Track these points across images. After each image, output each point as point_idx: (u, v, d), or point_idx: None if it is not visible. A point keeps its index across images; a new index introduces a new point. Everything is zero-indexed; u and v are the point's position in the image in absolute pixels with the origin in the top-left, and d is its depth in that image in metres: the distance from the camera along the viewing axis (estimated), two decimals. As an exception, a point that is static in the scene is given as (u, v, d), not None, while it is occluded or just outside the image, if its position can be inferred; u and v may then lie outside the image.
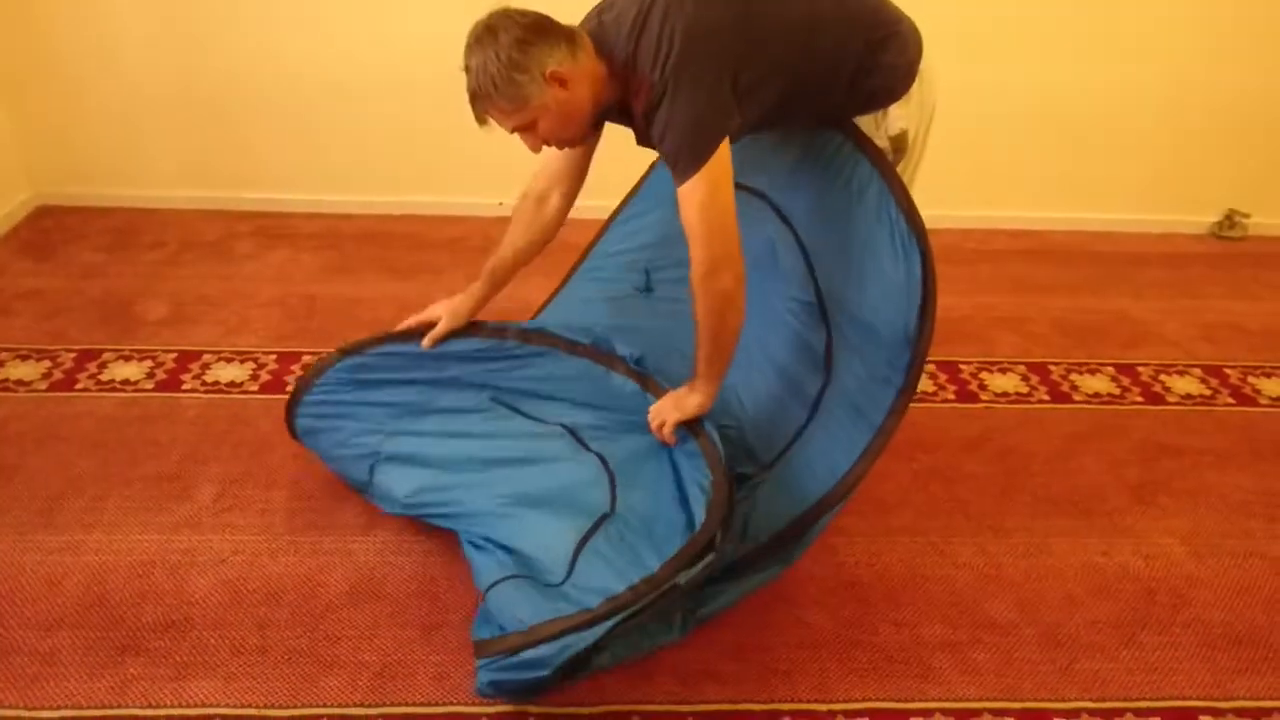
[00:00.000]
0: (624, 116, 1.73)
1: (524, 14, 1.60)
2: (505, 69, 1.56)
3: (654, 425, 1.88)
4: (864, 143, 1.82)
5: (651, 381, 2.00)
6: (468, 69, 1.60)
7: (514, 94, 1.59)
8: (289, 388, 2.43)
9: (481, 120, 1.65)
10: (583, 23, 1.71)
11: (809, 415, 1.94)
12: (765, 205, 2.00)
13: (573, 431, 1.99)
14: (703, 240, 1.64)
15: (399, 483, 1.93)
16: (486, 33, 1.58)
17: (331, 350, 2.03)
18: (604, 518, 1.76)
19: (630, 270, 2.23)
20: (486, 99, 1.60)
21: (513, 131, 1.67)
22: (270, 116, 3.35)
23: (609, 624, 1.52)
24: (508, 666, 1.52)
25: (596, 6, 1.73)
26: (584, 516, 1.77)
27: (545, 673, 1.50)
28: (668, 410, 1.87)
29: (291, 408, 2.03)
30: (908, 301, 1.76)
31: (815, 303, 1.93)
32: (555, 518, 1.78)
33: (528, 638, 1.52)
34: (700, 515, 1.70)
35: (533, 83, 1.58)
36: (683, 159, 1.61)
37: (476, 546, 1.80)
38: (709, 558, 1.63)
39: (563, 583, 1.65)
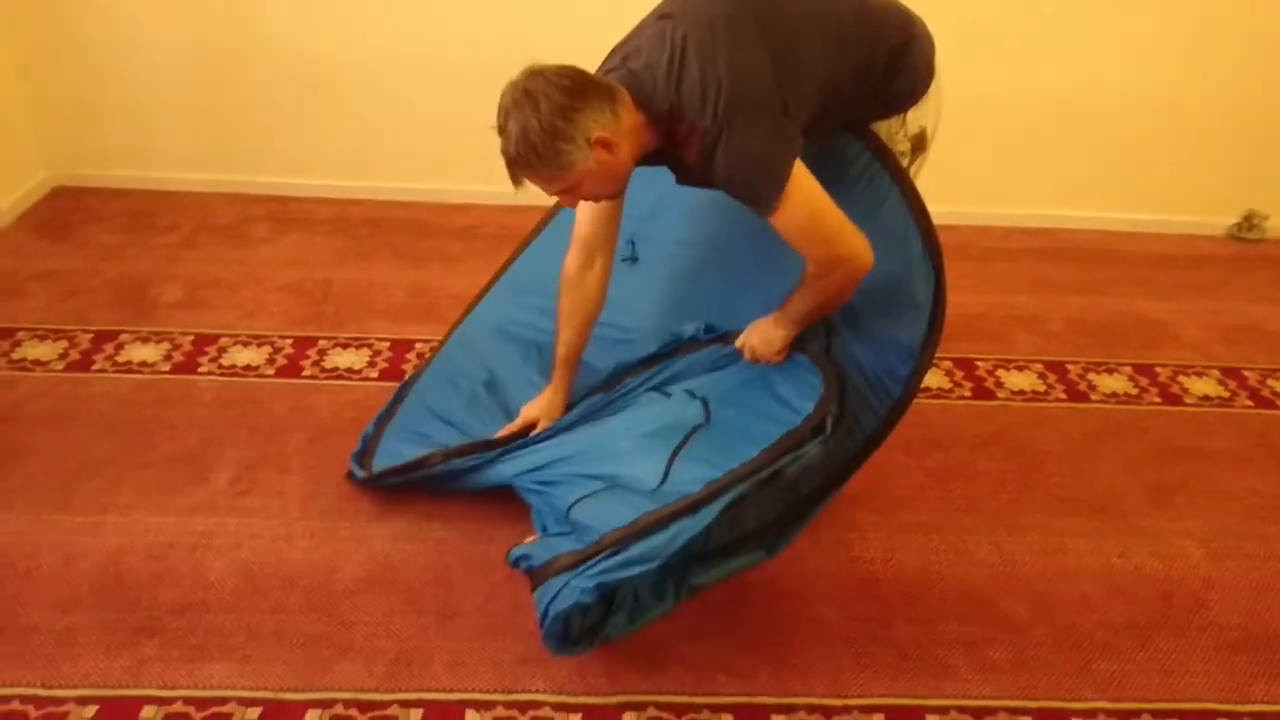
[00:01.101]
0: (660, 158, 1.69)
1: (561, 74, 1.51)
2: (549, 138, 1.49)
3: (748, 356, 1.86)
4: (883, 153, 1.80)
5: (729, 335, 1.96)
6: (503, 132, 1.52)
7: (559, 162, 1.52)
8: (305, 373, 2.44)
9: (518, 184, 1.58)
10: (607, 69, 1.65)
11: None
12: None
13: (656, 388, 1.98)
14: (813, 249, 1.61)
15: (501, 470, 1.96)
16: (525, 98, 1.49)
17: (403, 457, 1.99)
18: (697, 428, 1.76)
19: None
20: (527, 167, 1.53)
21: (552, 195, 1.63)
22: (285, 100, 3.34)
23: (719, 503, 1.53)
24: (614, 566, 1.51)
25: (619, 53, 1.66)
26: (677, 432, 1.76)
27: (655, 564, 1.50)
28: (758, 344, 1.84)
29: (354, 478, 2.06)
30: (914, 319, 1.76)
31: None
32: (647, 440, 1.79)
33: (630, 531, 1.53)
34: (808, 407, 1.70)
35: (578, 150, 1.51)
36: (761, 194, 1.56)
37: (547, 483, 1.83)
38: (816, 442, 1.63)
39: (658, 487, 1.65)
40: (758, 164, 1.55)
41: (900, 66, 1.75)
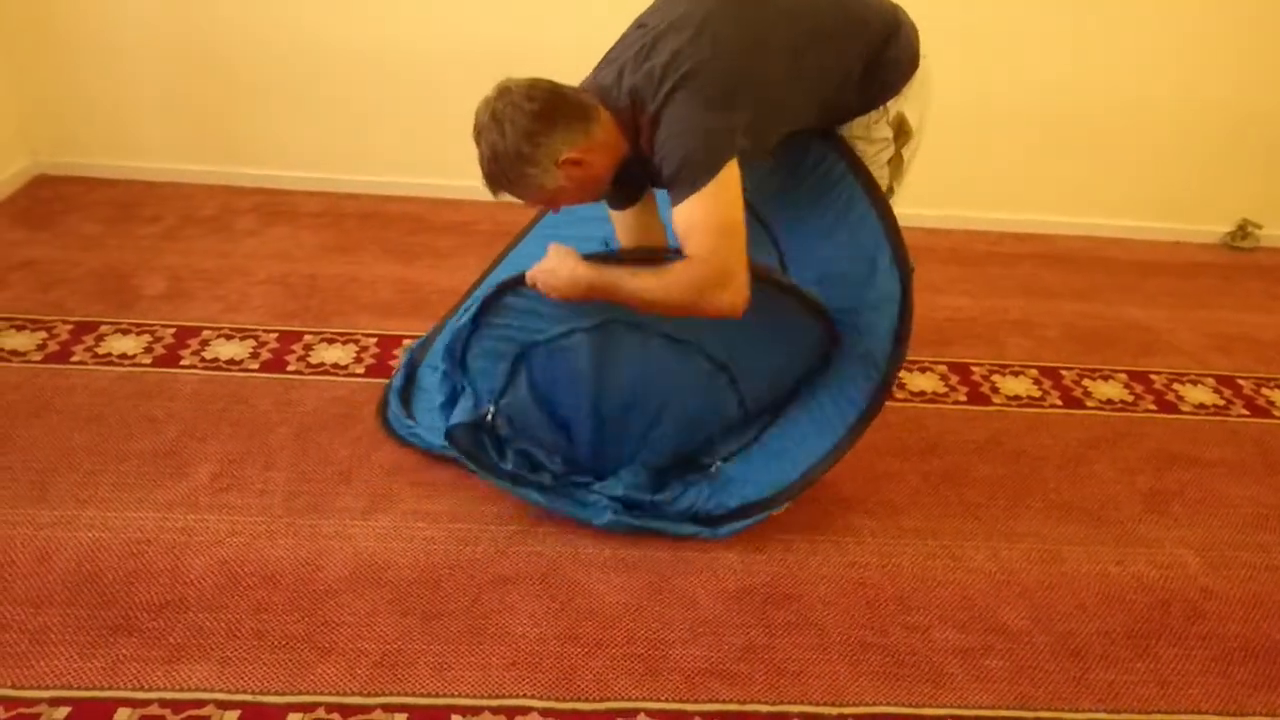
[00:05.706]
0: (636, 166, 1.66)
1: (532, 95, 1.51)
2: (515, 163, 1.53)
3: (528, 279, 1.68)
4: (856, 167, 1.78)
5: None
6: (477, 147, 1.57)
7: (526, 184, 1.57)
8: (290, 368, 2.39)
9: (495, 194, 1.62)
10: (591, 80, 1.65)
11: (766, 423, 1.98)
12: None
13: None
14: (700, 255, 1.52)
15: None
16: (492, 122, 1.52)
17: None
18: None
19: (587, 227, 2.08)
20: (498, 185, 1.59)
21: (530, 206, 1.68)
22: (274, 91, 3.29)
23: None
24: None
25: (606, 61, 1.66)
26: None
27: None
28: (538, 270, 1.66)
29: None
30: (883, 327, 1.80)
31: None
32: None
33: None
34: None
35: (545, 173, 1.54)
36: (683, 173, 1.50)
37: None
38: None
39: None
40: (692, 139, 1.49)
41: (883, 61, 1.73)
